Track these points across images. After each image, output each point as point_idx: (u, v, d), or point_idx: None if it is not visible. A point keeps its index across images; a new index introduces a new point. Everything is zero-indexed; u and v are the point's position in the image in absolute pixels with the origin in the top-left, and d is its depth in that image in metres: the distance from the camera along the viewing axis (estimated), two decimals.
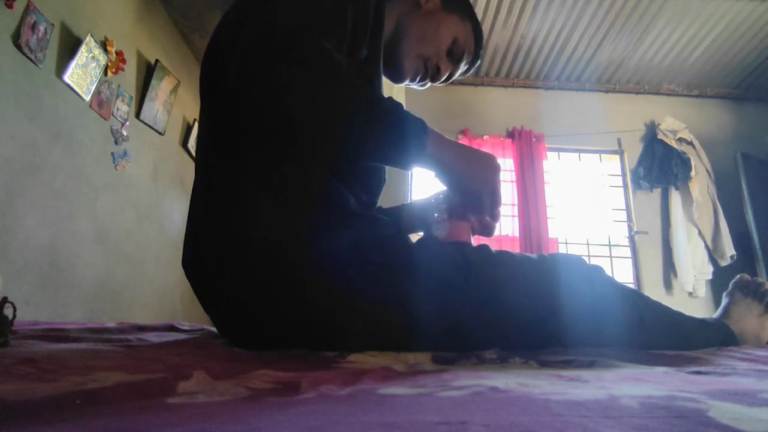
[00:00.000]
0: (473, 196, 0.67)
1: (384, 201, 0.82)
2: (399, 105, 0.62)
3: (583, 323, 0.67)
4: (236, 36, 0.61)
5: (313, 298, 0.61)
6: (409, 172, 3.49)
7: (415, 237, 0.84)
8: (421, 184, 3.54)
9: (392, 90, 2.36)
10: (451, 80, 0.94)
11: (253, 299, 0.63)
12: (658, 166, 3.49)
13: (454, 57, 0.89)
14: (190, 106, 3.03)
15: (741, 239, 3.28)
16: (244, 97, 0.61)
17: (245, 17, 0.63)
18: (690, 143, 3.55)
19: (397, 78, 0.89)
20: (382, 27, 0.75)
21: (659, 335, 0.72)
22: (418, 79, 0.89)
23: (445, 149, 0.64)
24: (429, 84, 0.92)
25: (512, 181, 3.49)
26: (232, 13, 0.69)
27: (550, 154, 3.64)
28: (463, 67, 0.92)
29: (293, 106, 0.58)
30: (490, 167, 0.68)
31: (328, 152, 0.65)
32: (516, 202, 3.42)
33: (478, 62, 0.96)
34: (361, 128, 0.59)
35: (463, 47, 0.89)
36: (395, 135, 0.60)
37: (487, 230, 0.74)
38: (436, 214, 0.83)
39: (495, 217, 0.72)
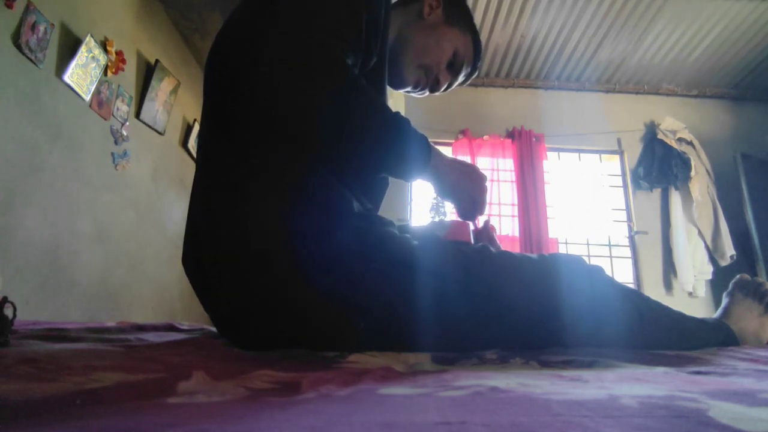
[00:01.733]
0: (466, 201, 0.74)
1: (384, 206, 0.83)
2: (407, 121, 0.65)
3: (584, 323, 0.67)
4: (249, 40, 0.61)
5: (314, 297, 0.61)
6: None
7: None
8: (421, 187, 3.54)
9: (392, 94, 2.37)
10: (448, 90, 0.96)
11: (253, 299, 0.63)
12: (658, 166, 3.49)
13: (453, 69, 0.91)
14: (190, 107, 3.03)
15: (741, 239, 3.28)
16: (247, 93, 0.61)
17: (260, 23, 0.62)
18: (690, 143, 3.55)
19: (397, 85, 0.90)
20: (388, 33, 0.75)
21: (659, 335, 0.72)
22: (417, 88, 0.91)
23: (443, 164, 0.70)
24: (427, 93, 0.94)
25: (512, 181, 3.49)
26: (240, 15, 0.69)
27: (550, 154, 3.64)
28: (461, 78, 0.94)
29: (310, 116, 0.60)
30: (479, 177, 0.75)
31: (337, 162, 0.66)
32: (516, 202, 3.42)
33: (476, 74, 0.98)
34: (374, 142, 0.62)
35: (462, 60, 0.91)
36: (404, 150, 0.64)
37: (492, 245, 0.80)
38: (432, 215, 0.87)
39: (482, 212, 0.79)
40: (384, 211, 0.80)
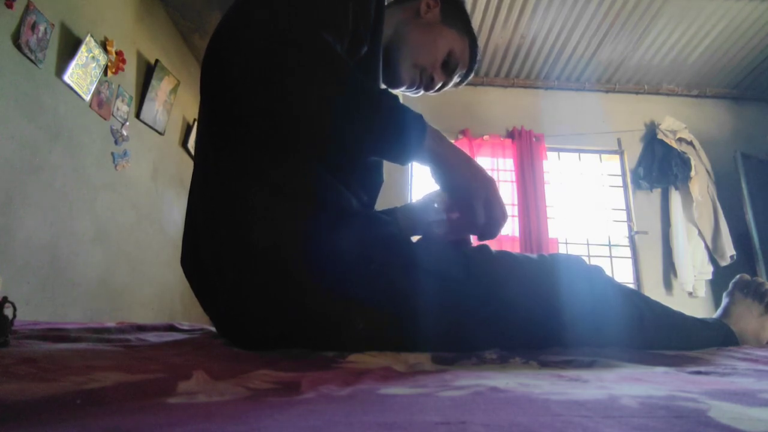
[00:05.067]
0: (466, 196, 0.66)
1: (384, 201, 0.82)
2: (396, 97, 0.62)
3: (584, 323, 0.67)
4: (238, 32, 0.61)
5: (314, 297, 0.61)
6: (410, 173, 3.50)
7: (414, 239, 0.84)
8: (421, 184, 3.55)
9: None
10: (443, 90, 0.96)
11: (253, 299, 0.63)
12: (658, 166, 3.49)
13: (448, 69, 0.91)
14: (190, 106, 3.03)
15: (741, 239, 3.28)
16: (244, 90, 0.61)
17: (247, 13, 0.63)
18: (690, 143, 3.55)
19: (392, 84, 0.90)
20: (382, 28, 0.75)
21: (659, 335, 0.72)
22: (413, 87, 0.91)
23: (444, 146, 0.65)
24: (422, 92, 0.93)
25: (512, 181, 3.49)
26: (233, 10, 0.69)
27: (550, 154, 3.63)
28: (456, 79, 0.94)
29: (293, 97, 0.58)
30: (486, 177, 0.67)
31: (325, 144, 0.64)
32: (516, 202, 3.42)
33: (471, 76, 0.97)
34: (360, 119, 0.59)
35: (457, 61, 0.91)
36: (394, 127, 0.60)
37: (486, 234, 0.71)
38: (433, 214, 0.83)
39: (487, 226, 0.68)
40: (382, 208, 0.80)
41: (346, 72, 0.59)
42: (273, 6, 0.61)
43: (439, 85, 0.93)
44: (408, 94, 0.94)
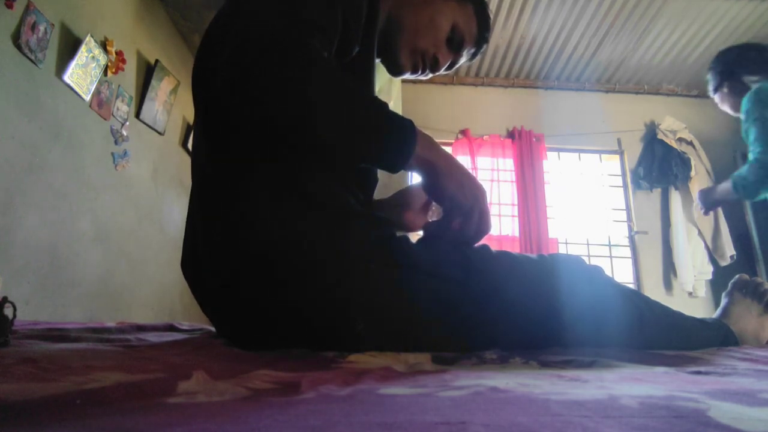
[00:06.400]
0: (454, 207, 0.66)
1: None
2: (385, 104, 0.61)
3: (583, 323, 0.67)
4: (226, 35, 0.61)
5: (314, 298, 0.61)
6: (410, 173, 3.49)
7: (414, 236, 0.83)
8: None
9: (392, 83, 2.34)
10: (458, 65, 0.90)
11: (252, 301, 0.63)
12: (658, 166, 3.49)
13: (454, 45, 0.85)
14: (189, 106, 3.01)
15: (741, 239, 3.28)
16: (233, 95, 0.60)
17: (235, 16, 0.62)
18: (690, 143, 3.55)
19: (394, 72, 0.86)
20: (377, 23, 0.73)
21: (659, 335, 0.72)
22: (417, 72, 0.86)
23: (435, 154, 0.64)
24: (430, 75, 0.88)
25: (512, 181, 3.49)
26: (222, 12, 0.69)
27: (550, 154, 3.64)
28: (469, 52, 0.88)
29: (282, 106, 0.57)
30: (477, 188, 0.67)
31: (314, 152, 0.63)
32: (516, 202, 3.42)
33: (485, 45, 0.90)
34: (348, 129, 0.58)
35: (463, 34, 0.84)
36: (382, 136, 0.59)
37: (466, 243, 0.69)
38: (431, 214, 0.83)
39: (472, 238, 0.68)
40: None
41: (335, 79, 0.58)
42: (262, 11, 0.60)
43: (448, 63, 0.87)
44: (421, 77, 0.88)
